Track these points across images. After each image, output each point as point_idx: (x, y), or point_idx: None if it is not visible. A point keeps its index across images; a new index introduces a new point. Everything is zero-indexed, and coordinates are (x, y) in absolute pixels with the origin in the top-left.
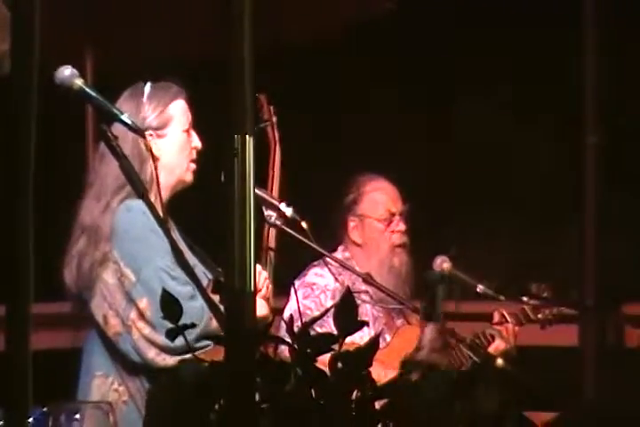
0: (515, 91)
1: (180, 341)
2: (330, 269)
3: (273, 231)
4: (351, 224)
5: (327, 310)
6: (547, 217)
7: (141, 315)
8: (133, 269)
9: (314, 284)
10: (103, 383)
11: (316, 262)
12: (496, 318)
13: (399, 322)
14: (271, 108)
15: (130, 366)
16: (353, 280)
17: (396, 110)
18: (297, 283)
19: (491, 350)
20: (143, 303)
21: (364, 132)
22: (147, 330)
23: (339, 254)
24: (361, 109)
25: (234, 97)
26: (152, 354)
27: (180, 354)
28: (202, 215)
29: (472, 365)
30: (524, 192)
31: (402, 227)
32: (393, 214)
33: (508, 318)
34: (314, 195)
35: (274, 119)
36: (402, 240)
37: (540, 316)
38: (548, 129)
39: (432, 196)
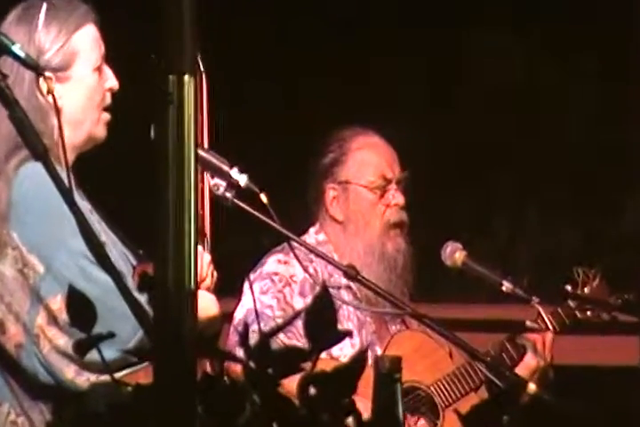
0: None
1: (111, 354)
2: (297, 256)
3: (208, 203)
4: (330, 194)
5: (297, 314)
6: (593, 189)
7: (54, 319)
8: (41, 256)
9: (275, 273)
10: None
11: (278, 247)
12: (529, 321)
13: (394, 329)
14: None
15: (36, 389)
16: (330, 272)
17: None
18: (252, 275)
19: (520, 369)
20: (56, 303)
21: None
22: (62, 340)
23: (310, 238)
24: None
25: (167, 21)
26: (70, 373)
27: (112, 372)
28: (121, 183)
29: (493, 391)
30: (561, 157)
31: (399, 199)
32: (388, 181)
33: (548, 320)
34: (278, 160)
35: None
36: (399, 218)
37: (589, 314)
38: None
39: (439, 161)
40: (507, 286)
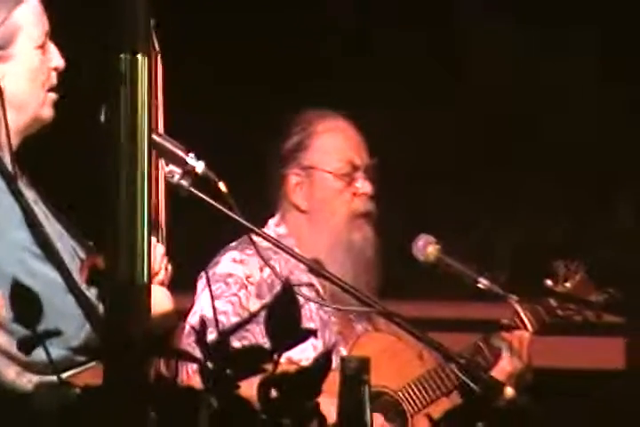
0: None
1: (55, 353)
2: (254, 252)
3: (163, 189)
4: (293, 180)
5: (253, 316)
6: (583, 177)
7: None
8: None
9: (229, 274)
10: None
11: (233, 244)
12: (506, 319)
13: (360, 328)
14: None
15: None
16: (290, 268)
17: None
18: (205, 274)
19: (496, 372)
20: None
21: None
22: (1, 339)
23: (270, 231)
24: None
25: None
26: (11, 374)
27: (55, 373)
28: (69, 170)
29: (466, 396)
30: (543, 146)
31: (367, 188)
32: (356, 168)
33: (525, 319)
34: (238, 146)
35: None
36: (366, 207)
37: (570, 312)
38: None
39: (411, 149)
40: (483, 282)
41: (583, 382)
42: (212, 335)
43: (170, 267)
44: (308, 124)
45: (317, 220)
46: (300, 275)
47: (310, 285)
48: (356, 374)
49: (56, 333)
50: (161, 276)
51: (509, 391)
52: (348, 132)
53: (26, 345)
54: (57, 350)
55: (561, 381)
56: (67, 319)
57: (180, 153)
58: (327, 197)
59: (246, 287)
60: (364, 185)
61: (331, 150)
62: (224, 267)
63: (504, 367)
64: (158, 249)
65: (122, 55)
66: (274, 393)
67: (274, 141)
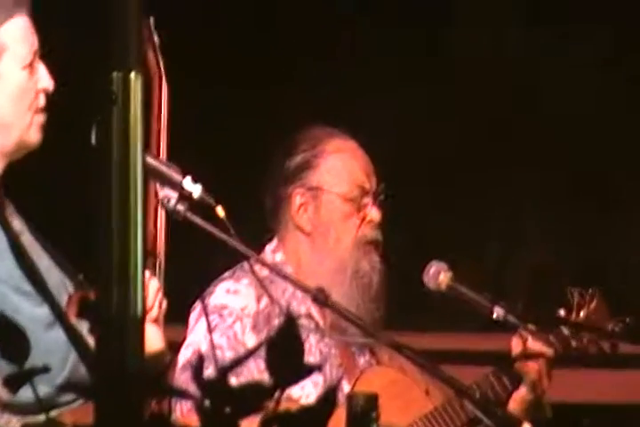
0: None
1: (30, 393)
2: (249, 282)
3: (163, 219)
4: (297, 200)
5: (253, 351)
6: (600, 195)
7: None
8: None
9: (223, 306)
10: None
11: (227, 273)
12: (517, 346)
13: (363, 362)
14: (150, 23)
15: None
16: (287, 299)
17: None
18: (199, 306)
19: (513, 404)
20: None
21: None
22: None
23: (266, 258)
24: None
25: (111, 12)
26: None
27: (34, 413)
28: (58, 196)
29: None
30: (560, 168)
31: (377, 216)
32: (365, 192)
33: (535, 347)
34: (236, 166)
35: (155, 39)
36: (374, 236)
37: (588, 345)
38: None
39: (418, 173)
40: (498, 312)
41: (607, 417)
42: (207, 371)
43: (164, 303)
44: (316, 142)
45: (321, 244)
46: (299, 306)
47: (309, 316)
48: (363, 411)
49: (44, 369)
50: (154, 313)
51: None
52: (357, 153)
53: (13, 383)
54: (42, 388)
55: (582, 416)
56: (50, 356)
57: (176, 176)
58: (334, 220)
59: (241, 320)
60: (373, 212)
61: (340, 172)
62: (218, 298)
63: (522, 397)
64: (152, 284)
65: (114, 73)
66: None
67: (276, 159)
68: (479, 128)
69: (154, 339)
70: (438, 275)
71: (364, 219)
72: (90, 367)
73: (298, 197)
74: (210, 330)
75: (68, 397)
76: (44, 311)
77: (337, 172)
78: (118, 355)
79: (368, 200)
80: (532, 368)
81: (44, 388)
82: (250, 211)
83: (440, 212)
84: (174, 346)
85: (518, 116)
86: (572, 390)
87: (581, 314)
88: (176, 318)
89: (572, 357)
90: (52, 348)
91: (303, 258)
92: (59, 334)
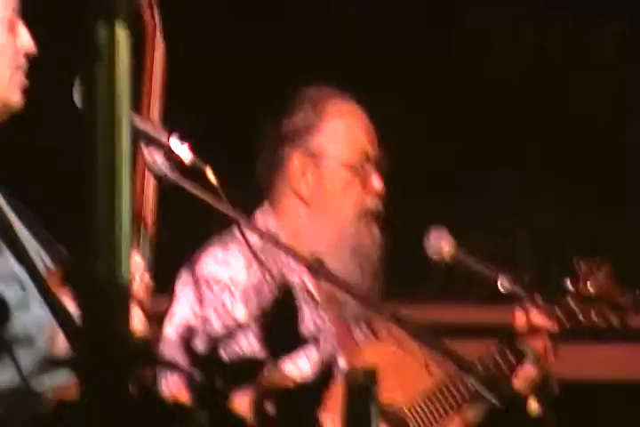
0: None
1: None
2: (239, 250)
3: (151, 184)
4: (296, 165)
5: (257, 319)
6: (611, 164)
7: None
8: None
9: (211, 277)
10: None
11: (215, 240)
12: (520, 319)
13: (360, 335)
14: None
15: None
16: (280, 268)
17: None
18: (184, 275)
19: (517, 381)
20: None
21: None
22: None
23: (258, 222)
24: None
25: None
26: None
27: (24, 382)
28: (39, 160)
29: (481, 411)
30: (571, 135)
31: (379, 185)
32: (368, 159)
33: (540, 320)
34: (232, 128)
35: None
36: (375, 206)
37: (592, 316)
38: None
39: (420, 137)
40: (503, 283)
41: (617, 393)
42: (195, 344)
43: (147, 280)
44: (317, 102)
45: (321, 213)
46: (292, 276)
47: (303, 287)
48: (362, 387)
49: (26, 339)
50: (135, 289)
51: (533, 405)
52: (360, 116)
53: None
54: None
55: (591, 393)
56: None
57: (164, 138)
58: (335, 189)
59: (230, 291)
60: (375, 180)
61: (343, 137)
62: (205, 268)
63: (527, 374)
64: (136, 260)
65: (98, 27)
66: (270, 408)
67: (272, 117)
68: (492, 98)
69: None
70: (440, 243)
71: (367, 188)
72: (73, 340)
73: (297, 161)
74: (197, 301)
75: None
76: (13, 292)
77: (340, 137)
78: (104, 326)
79: (371, 168)
80: (536, 343)
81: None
82: (243, 175)
83: (443, 180)
84: (164, 316)
85: (537, 91)
86: (580, 366)
87: (589, 285)
88: (164, 288)
89: (578, 330)
90: (21, 331)
91: (300, 225)
92: (27, 317)
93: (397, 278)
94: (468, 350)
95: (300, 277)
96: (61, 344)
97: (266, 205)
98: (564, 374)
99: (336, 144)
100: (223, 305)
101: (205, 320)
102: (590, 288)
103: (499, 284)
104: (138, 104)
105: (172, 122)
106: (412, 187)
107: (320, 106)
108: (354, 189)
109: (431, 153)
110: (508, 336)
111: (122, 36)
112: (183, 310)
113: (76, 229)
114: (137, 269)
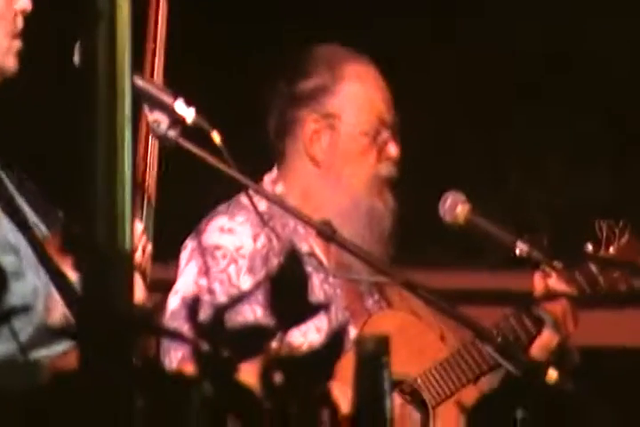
0: None
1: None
2: (245, 219)
3: (155, 148)
4: (311, 127)
5: (247, 293)
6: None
7: None
8: None
9: (217, 247)
10: None
11: (221, 207)
12: (539, 284)
13: (371, 303)
14: None
15: None
16: (288, 235)
17: None
18: (189, 245)
19: (536, 349)
20: None
21: None
22: None
23: (266, 187)
24: None
25: None
26: None
27: (22, 351)
28: (36, 122)
29: (502, 380)
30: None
31: (395, 151)
32: (385, 125)
33: (561, 286)
34: (233, 89)
35: None
36: (390, 173)
37: (618, 282)
38: None
39: (432, 98)
40: (521, 247)
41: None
42: (201, 315)
43: (149, 247)
44: (334, 64)
45: (334, 178)
46: (300, 243)
47: (311, 254)
48: (373, 356)
49: (24, 308)
50: (136, 258)
51: (553, 374)
52: (378, 81)
53: None
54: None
55: (613, 361)
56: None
57: (167, 99)
58: (350, 154)
59: (236, 262)
60: (392, 148)
61: (361, 101)
62: (211, 237)
63: (546, 341)
64: (137, 228)
65: None
66: (278, 378)
67: (285, 76)
68: (506, 61)
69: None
70: (456, 206)
71: (382, 154)
72: (73, 308)
73: (312, 123)
74: (202, 272)
75: (44, 351)
76: (8, 262)
77: (357, 101)
78: (105, 293)
79: (386, 134)
80: (556, 309)
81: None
82: (251, 138)
83: (458, 143)
84: (167, 285)
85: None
86: (603, 333)
87: (611, 249)
88: (169, 254)
89: (600, 295)
90: (17, 300)
91: (312, 189)
92: (24, 286)
93: (411, 244)
94: (485, 318)
95: (309, 244)
96: (58, 314)
97: (274, 170)
98: (586, 342)
99: (353, 108)
100: (228, 277)
101: (211, 291)
102: (612, 251)
103: (516, 248)
104: (142, 64)
105: (176, 84)
106: (425, 150)
107: (338, 68)
108: (369, 155)
109: (441, 115)
110: (526, 302)
111: None
112: (187, 282)
113: (76, 193)
114: (139, 237)
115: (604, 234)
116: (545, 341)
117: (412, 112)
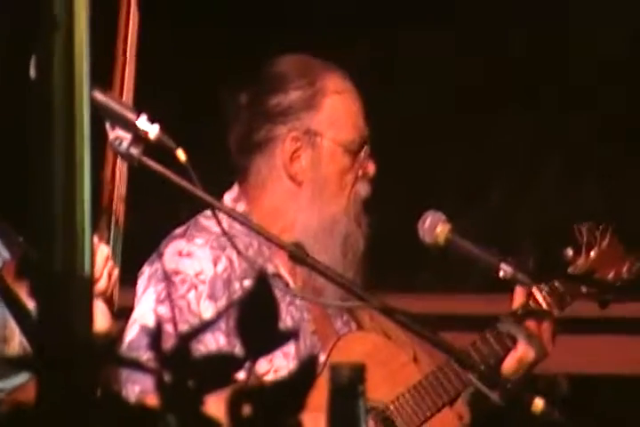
0: None
1: None
2: (204, 242)
3: (123, 169)
4: (291, 144)
5: (231, 312)
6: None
7: None
8: None
9: (175, 272)
10: None
11: (179, 230)
12: (519, 298)
13: (340, 325)
14: None
15: None
16: (251, 254)
17: None
18: (147, 271)
19: (511, 362)
20: None
21: None
22: None
23: (227, 204)
24: None
25: None
26: None
27: None
28: None
29: (477, 404)
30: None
31: (372, 168)
32: (364, 141)
33: (542, 299)
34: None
35: None
36: (366, 192)
37: (594, 289)
38: None
39: (409, 109)
40: (505, 269)
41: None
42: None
43: (116, 273)
44: (314, 77)
45: (314, 199)
46: (265, 264)
47: (277, 275)
48: (349, 384)
49: None
50: (102, 284)
51: (539, 404)
52: (355, 94)
53: None
54: None
55: (603, 387)
56: None
57: (130, 114)
58: (332, 173)
59: (196, 288)
60: (371, 166)
61: (343, 117)
62: (168, 262)
63: (522, 357)
64: (101, 250)
65: None
66: (247, 410)
67: (257, 90)
68: (495, 69)
69: (98, 318)
70: (435, 227)
71: (361, 172)
72: (30, 336)
73: (292, 142)
74: (161, 299)
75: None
76: None
77: (340, 116)
78: (64, 320)
79: (367, 152)
80: (533, 324)
81: None
82: (217, 157)
83: (439, 158)
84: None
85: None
86: (592, 360)
87: (592, 253)
88: (124, 281)
89: (591, 321)
90: None
91: (282, 210)
92: None
93: (387, 266)
94: (466, 343)
95: (274, 266)
96: (17, 344)
97: (234, 187)
98: (575, 369)
99: (335, 125)
100: (188, 304)
101: (170, 319)
102: (594, 256)
103: (500, 271)
104: (111, 78)
105: (142, 102)
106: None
107: (318, 81)
108: (349, 174)
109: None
110: (504, 318)
111: (81, 2)
112: (144, 311)
113: (32, 216)
114: (104, 261)
115: (585, 238)
116: (520, 355)
117: (383, 127)
